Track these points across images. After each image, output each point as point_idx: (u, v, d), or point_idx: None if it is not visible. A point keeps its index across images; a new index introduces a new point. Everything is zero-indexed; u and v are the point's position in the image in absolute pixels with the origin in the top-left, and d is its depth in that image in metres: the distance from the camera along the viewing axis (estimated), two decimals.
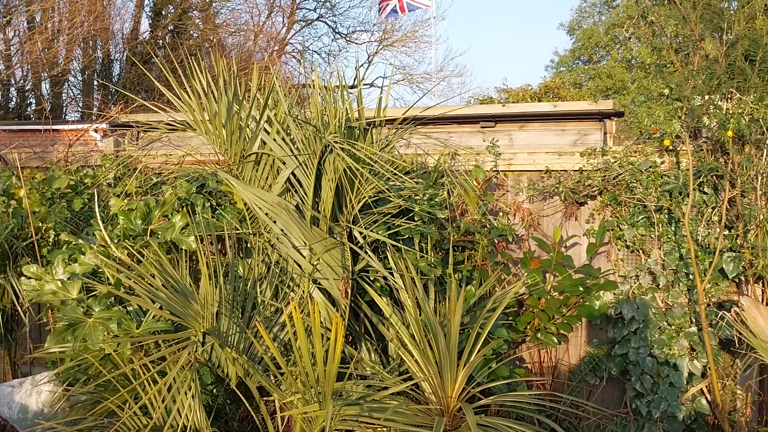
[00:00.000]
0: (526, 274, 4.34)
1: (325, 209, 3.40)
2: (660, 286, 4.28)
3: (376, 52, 20.90)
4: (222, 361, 3.55)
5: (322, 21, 20.94)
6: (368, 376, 3.61)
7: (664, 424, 4.12)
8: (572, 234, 4.56)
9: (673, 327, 4.16)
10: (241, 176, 3.53)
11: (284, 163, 3.45)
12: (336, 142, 3.14)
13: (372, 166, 3.28)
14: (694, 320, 4.15)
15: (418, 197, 4.13)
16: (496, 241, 4.51)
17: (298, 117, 3.52)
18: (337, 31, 21.14)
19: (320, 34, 22.77)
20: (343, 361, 3.68)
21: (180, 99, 3.44)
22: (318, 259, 3.46)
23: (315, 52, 21.20)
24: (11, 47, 12.88)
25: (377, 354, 3.82)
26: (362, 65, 20.32)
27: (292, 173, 3.46)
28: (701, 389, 4.09)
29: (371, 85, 20.07)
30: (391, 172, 3.42)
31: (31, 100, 13.25)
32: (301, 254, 3.51)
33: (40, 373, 4.17)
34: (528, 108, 5.36)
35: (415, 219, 4.00)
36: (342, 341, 2.85)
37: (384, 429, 3.12)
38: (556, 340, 4.29)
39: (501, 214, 4.68)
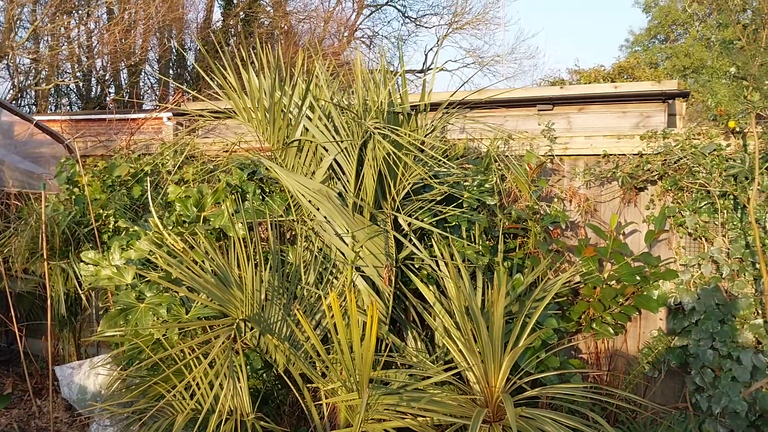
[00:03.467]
0: (580, 262, 4.19)
1: (367, 196, 3.37)
2: (724, 276, 4.04)
3: (445, 35, 20.64)
4: (270, 347, 3.58)
5: (392, 5, 20.84)
6: (413, 365, 3.57)
7: (726, 420, 3.89)
8: (631, 221, 4.36)
9: (737, 319, 3.93)
10: (285, 163, 3.54)
11: (326, 150, 3.43)
12: (376, 128, 3.09)
13: (414, 152, 3.21)
14: (760, 311, 3.90)
15: (467, 183, 4.04)
16: (550, 228, 4.37)
17: (340, 102, 3.48)
18: (406, 15, 21.00)
19: (390, 19, 22.75)
20: (389, 349, 3.67)
21: (222, 88, 3.47)
22: (361, 246, 3.43)
23: (384, 37, 21.13)
24: (92, 38, 13.45)
25: (423, 343, 3.77)
26: (431, 49, 20.11)
27: (335, 160, 3.44)
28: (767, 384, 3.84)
29: (440, 69, 19.86)
30: (435, 158, 3.34)
31: (110, 90, 13.81)
32: (343, 241, 3.49)
33: (104, 354, 4.36)
34: (587, 90, 5.13)
35: (464, 206, 3.91)
36: (376, 327, 2.81)
37: (424, 419, 3.08)
38: (612, 331, 4.14)
39: (556, 200, 4.51)
